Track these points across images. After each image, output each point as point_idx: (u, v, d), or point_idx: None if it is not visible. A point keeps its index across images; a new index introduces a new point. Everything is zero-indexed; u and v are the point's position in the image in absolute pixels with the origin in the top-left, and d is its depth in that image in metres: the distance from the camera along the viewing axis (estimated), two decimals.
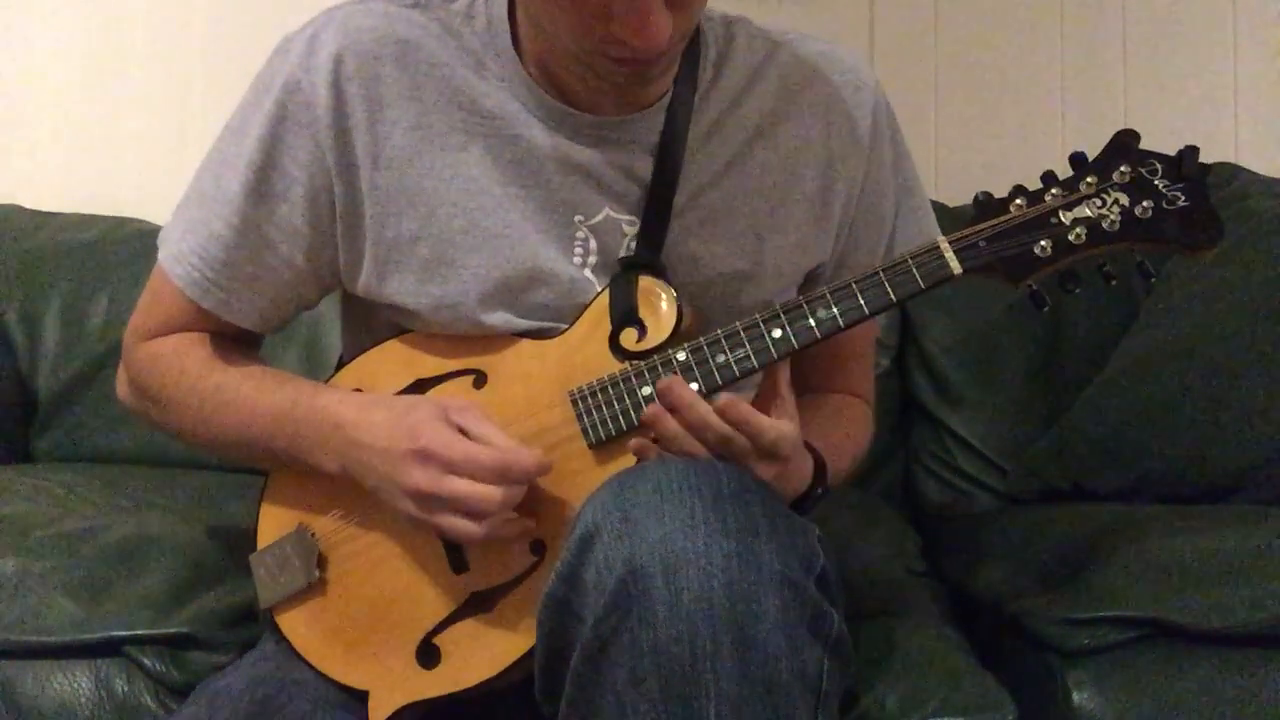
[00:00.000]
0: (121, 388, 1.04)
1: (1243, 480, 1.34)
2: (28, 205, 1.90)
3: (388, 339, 0.97)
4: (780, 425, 0.83)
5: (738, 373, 0.85)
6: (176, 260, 0.97)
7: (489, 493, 0.82)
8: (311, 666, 0.93)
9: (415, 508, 0.84)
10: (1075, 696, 0.99)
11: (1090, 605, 1.03)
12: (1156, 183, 0.83)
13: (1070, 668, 1.01)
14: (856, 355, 1.11)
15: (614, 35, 0.81)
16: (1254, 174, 1.60)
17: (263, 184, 0.93)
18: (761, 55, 0.99)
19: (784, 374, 0.86)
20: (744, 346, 0.85)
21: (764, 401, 0.86)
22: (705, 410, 0.81)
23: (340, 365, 1.02)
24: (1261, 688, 0.98)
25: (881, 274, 0.85)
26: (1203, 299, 1.43)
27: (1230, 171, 1.60)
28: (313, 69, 0.91)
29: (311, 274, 0.97)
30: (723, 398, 0.81)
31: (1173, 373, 1.39)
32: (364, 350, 0.98)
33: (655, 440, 0.83)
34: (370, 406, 0.89)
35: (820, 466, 0.92)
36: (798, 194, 0.98)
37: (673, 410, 0.82)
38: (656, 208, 0.93)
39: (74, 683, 1.03)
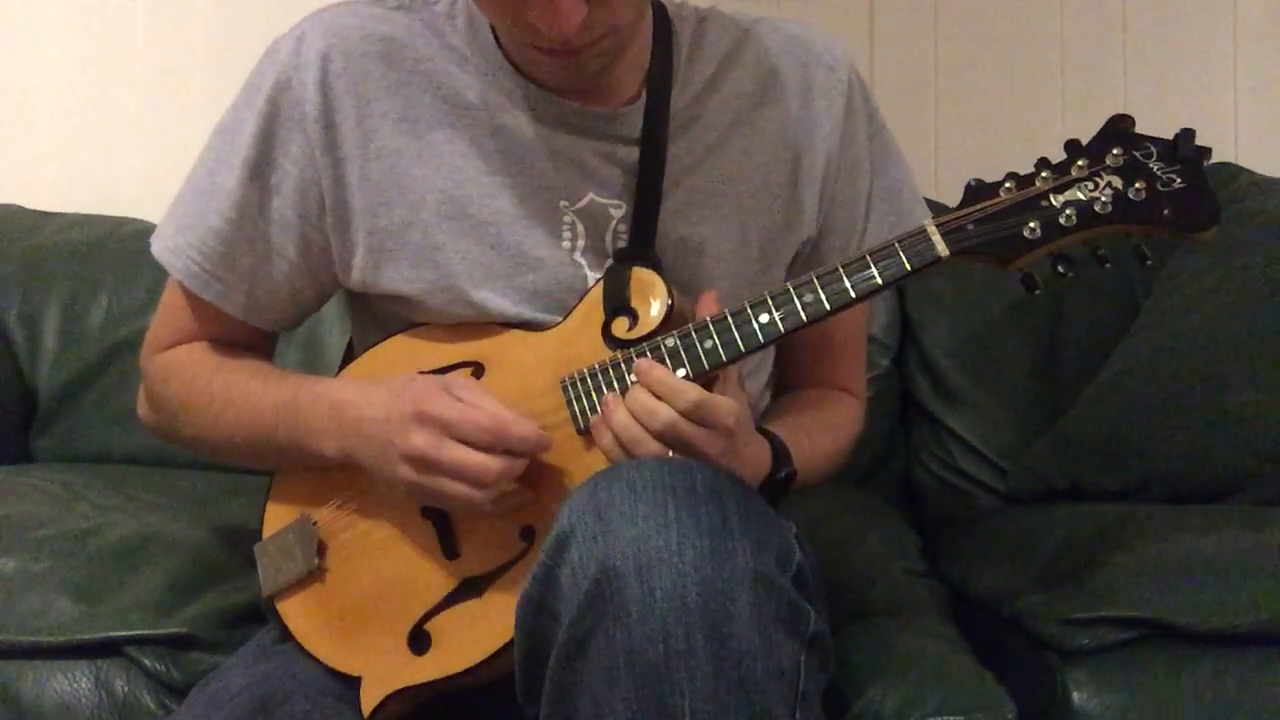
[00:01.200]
0: (141, 406, 1.06)
1: (1243, 480, 1.34)
2: (28, 205, 1.90)
3: (394, 334, 0.98)
4: (703, 391, 0.82)
5: (725, 357, 0.85)
6: (175, 254, 0.99)
7: (487, 461, 0.83)
8: (310, 654, 0.93)
9: (414, 472, 0.85)
10: (1075, 696, 0.99)
11: (1090, 605, 1.03)
12: (1151, 165, 0.82)
13: (1070, 668, 1.01)
14: (843, 350, 1.10)
15: (531, 24, 0.83)
16: (1254, 174, 1.60)
17: (257, 179, 0.96)
18: (734, 41, 1.01)
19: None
20: (731, 332, 0.85)
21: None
22: (637, 394, 0.83)
23: (348, 361, 1.04)
24: (1261, 688, 0.98)
25: (868, 257, 0.84)
26: (1203, 299, 1.43)
27: (1230, 171, 1.60)
28: (301, 67, 0.94)
29: (304, 267, 0.99)
30: (639, 363, 0.84)
31: (1173, 373, 1.39)
32: (375, 342, 1.00)
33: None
34: (369, 386, 0.92)
35: (780, 451, 0.92)
36: (778, 175, 1.00)
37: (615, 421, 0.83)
38: (645, 198, 0.95)
39: (74, 683, 1.03)
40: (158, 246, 1.00)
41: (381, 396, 0.89)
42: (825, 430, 1.04)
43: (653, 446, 0.81)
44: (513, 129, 0.95)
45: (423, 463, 0.85)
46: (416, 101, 0.95)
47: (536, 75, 0.94)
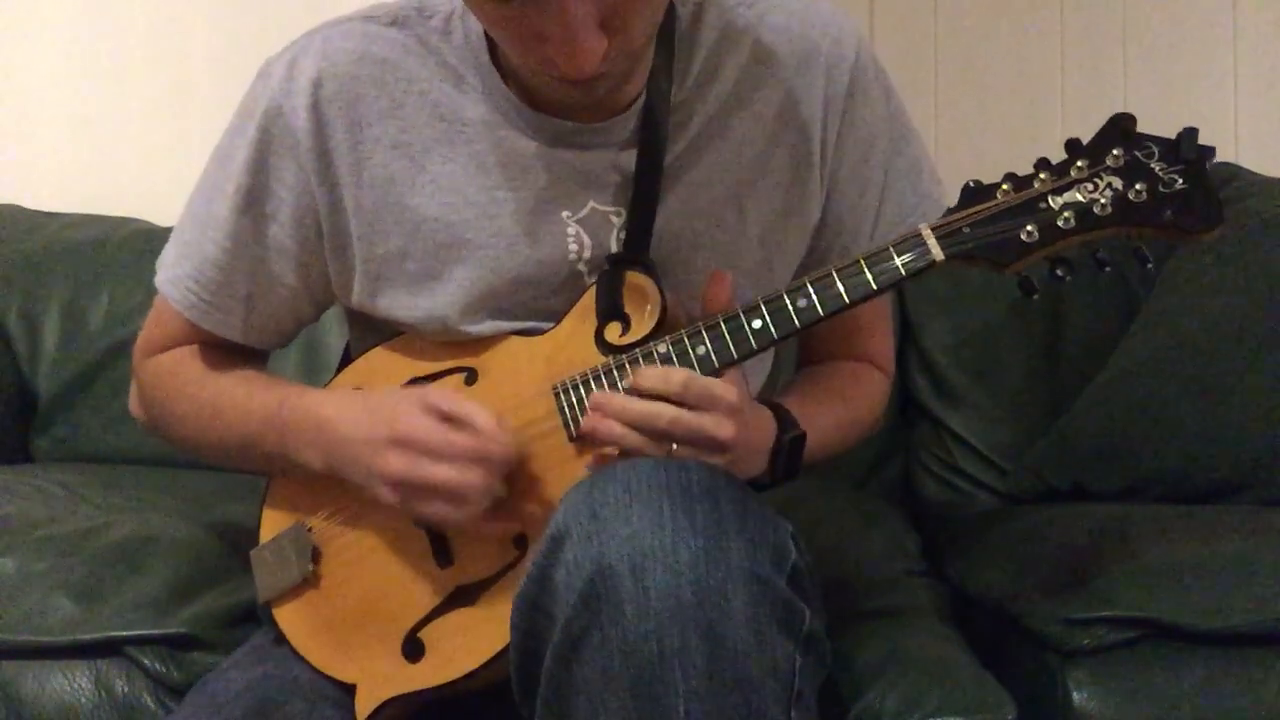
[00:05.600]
0: (133, 405, 1.07)
1: (1243, 480, 1.34)
2: (28, 205, 1.90)
3: (390, 338, 0.99)
4: (693, 374, 0.82)
5: (717, 364, 0.85)
6: (173, 285, 0.99)
7: (469, 478, 0.83)
8: (305, 660, 0.93)
9: (396, 495, 0.86)
10: (1075, 696, 0.99)
11: (1090, 605, 1.03)
12: (1153, 166, 0.81)
13: (1070, 668, 1.01)
14: (869, 328, 1.08)
15: (549, 57, 0.81)
16: (1254, 174, 1.60)
17: (251, 207, 0.95)
18: (731, 24, 0.97)
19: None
20: (724, 338, 0.85)
21: None
22: (626, 401, 0.82)
23: (345, 362, 1.04)
24: (1261, 688, 0.98)
25: (862, 261, 0.84)
26: (1202, 299, 1.43)
27: (1230, 171, 1.59)
28: (293, 93, 0.93)
29: (304, 291, 0.99)
30: (635, 374, 0.83)
31: (1173, 373, 1.39)
32: (371, 347, 1.00)
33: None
34: (350, 402, 0.91)
35: (782, 415, 0.92)
36: (778, 159, 0.97)
37: (611, 415, 0.83)
38: (640, 201, 0.93)
39: (74, 683, 1.03)
40: (160, 277, 1.00)
41: (360, 415, 0.88)
42: (837, 398, 1.03)
43: (658, 449, 0.81)
44: (511, 145, 0.93)
45: (404, 485, 0.85)
46: (412, 124, 0.93)
47: (546, 95, 0.91)
